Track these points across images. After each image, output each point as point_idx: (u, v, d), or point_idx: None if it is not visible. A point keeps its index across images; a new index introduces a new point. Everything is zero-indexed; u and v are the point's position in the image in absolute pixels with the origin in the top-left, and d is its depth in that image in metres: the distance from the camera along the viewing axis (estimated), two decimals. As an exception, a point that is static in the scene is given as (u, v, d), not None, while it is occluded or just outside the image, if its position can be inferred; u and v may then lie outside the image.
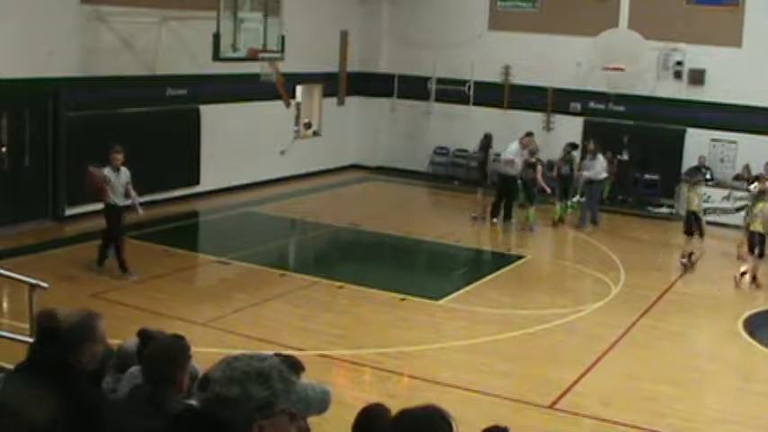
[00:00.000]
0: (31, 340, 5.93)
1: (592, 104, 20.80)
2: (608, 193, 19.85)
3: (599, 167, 18.09)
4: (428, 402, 2.99)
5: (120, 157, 12.68)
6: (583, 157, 18.66)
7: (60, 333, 4.03)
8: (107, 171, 12.62)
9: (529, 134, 18.15)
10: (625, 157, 19.85)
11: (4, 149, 14.81)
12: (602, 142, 18.90)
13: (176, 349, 3.94)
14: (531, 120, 20.98)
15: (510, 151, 17.60)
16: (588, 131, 20.26)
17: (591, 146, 18.35)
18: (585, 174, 18.04)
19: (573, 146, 18.57)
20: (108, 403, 4.28)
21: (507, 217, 17.81)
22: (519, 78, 21.34)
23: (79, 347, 3.97)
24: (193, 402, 3.90)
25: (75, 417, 3.73)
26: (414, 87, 22.39)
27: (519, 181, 17.75)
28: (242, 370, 2.39)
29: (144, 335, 4.41)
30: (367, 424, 5.25)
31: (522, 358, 10.59)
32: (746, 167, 19.06)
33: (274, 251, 15.72)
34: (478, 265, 15.51)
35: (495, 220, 17.79)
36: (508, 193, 17.75)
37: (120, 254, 12.75)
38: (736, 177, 19.19)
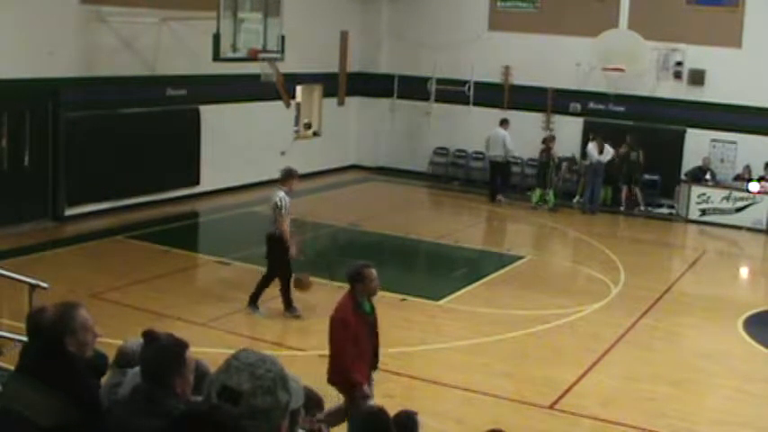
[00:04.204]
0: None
1: (592, 105, 20.80)
2: (610, 197, 19.97)
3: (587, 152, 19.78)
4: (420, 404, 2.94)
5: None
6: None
7: (43, 329, 4.07)
8: (283, 196, 11.19)
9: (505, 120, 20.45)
10: (623, 150, 19.82)
11: (3, 148, 14.81)
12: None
13: (173, 350, 3.94)
14: (531, 120, 21.02)
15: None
16: (588, 132, 20.30)
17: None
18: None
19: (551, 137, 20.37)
20: (103, 393, 4.31)
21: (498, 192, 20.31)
22: (519, 78, 21.34)
23: (63, 339, 4.00)
24: (198, 399, 3.91)
25: (74, 405, 3.75)
26: (414, 87, 22.38)
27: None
28: (269, 378, 2.35)
29: (148, 336, 4.40)
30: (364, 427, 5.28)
31: (522, 358, 10.58)
32: (747, 168, 19.07)
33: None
34: (478, 265, 15.50)
35: (499, 198, 20.22)
36: (502, 175, 20.38)
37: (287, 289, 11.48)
38: (737, 178, 19.18)
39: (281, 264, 11.31)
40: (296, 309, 11.44)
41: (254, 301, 11.48)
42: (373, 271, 7.20)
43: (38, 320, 4.20)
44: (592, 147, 19.60)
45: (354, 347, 7.11)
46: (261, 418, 2.31)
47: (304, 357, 10.07)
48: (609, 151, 19.44)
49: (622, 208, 19.86)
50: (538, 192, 19.93)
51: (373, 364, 7.49)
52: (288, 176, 11.35)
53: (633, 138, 19.54)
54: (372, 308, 7.37)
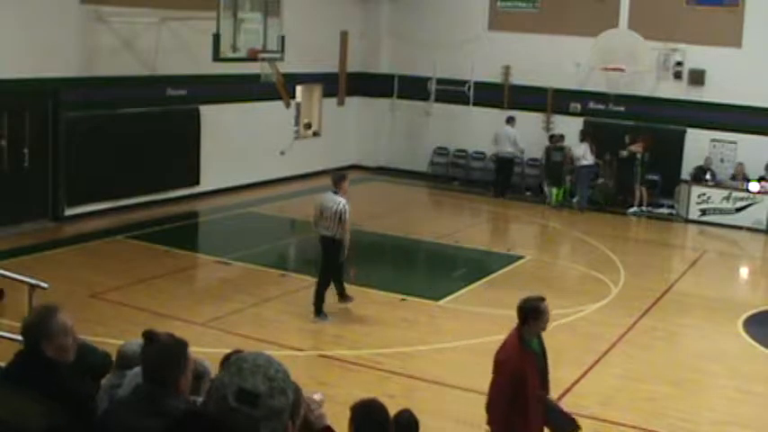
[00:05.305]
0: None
1: (592, 105, 20.80)
2: (612, 197, 19.96)
3: (579, 153, 19.70)
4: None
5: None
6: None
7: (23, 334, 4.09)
8: (345, 203, 11.24)
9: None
10: (624, 154, 19.80)
11: (3, 148, 14.80)
12: (603, 143, 19.40)
13: (175, 351, 3.94)
14: (531, 120, 21.01)
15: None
16: (588, 132, 20.30)
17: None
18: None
19: (561, 136, 20.39)
20: (93, 392, 4.31)
21: (503, 194, 20.62)
22: (519, 78, 21.34)
23: (39, 343, 4.01)
24: (199, 400, 3.91)
25: (61, 409, 3.74)
26: (414, 87, 22.38)
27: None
28: (280, 378, 2.36)
29: (148, 336, 4.41)
30: (362, 418, 5.28)
31: (522, 358, 10.56)
32: (740, 165, 19.01)
33: (274, 251, 15.72)
34: (478, 265, 15.49)
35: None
36: (506, 172, 20.73)
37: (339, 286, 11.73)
38: (733, 177, 19.15)
39: (334, 266, 11.47)
40: (325, 315, 11.49)
41: (319, 309, 11.51)
42: (548, 304, 6.49)
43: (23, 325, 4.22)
44: (585, 148, 19.60)
45: (520, 394, 6.26)
46: (276, 419, 2.33)
47: (303, 358, 10.08)
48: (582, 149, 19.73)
49: (635, 209, 19.68)
50: (555, 191, 19.97)
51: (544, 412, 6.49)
52: (342, 180, 11.54)
53: (647, 137, 19.46)
54: (542, 346, 6.53)
